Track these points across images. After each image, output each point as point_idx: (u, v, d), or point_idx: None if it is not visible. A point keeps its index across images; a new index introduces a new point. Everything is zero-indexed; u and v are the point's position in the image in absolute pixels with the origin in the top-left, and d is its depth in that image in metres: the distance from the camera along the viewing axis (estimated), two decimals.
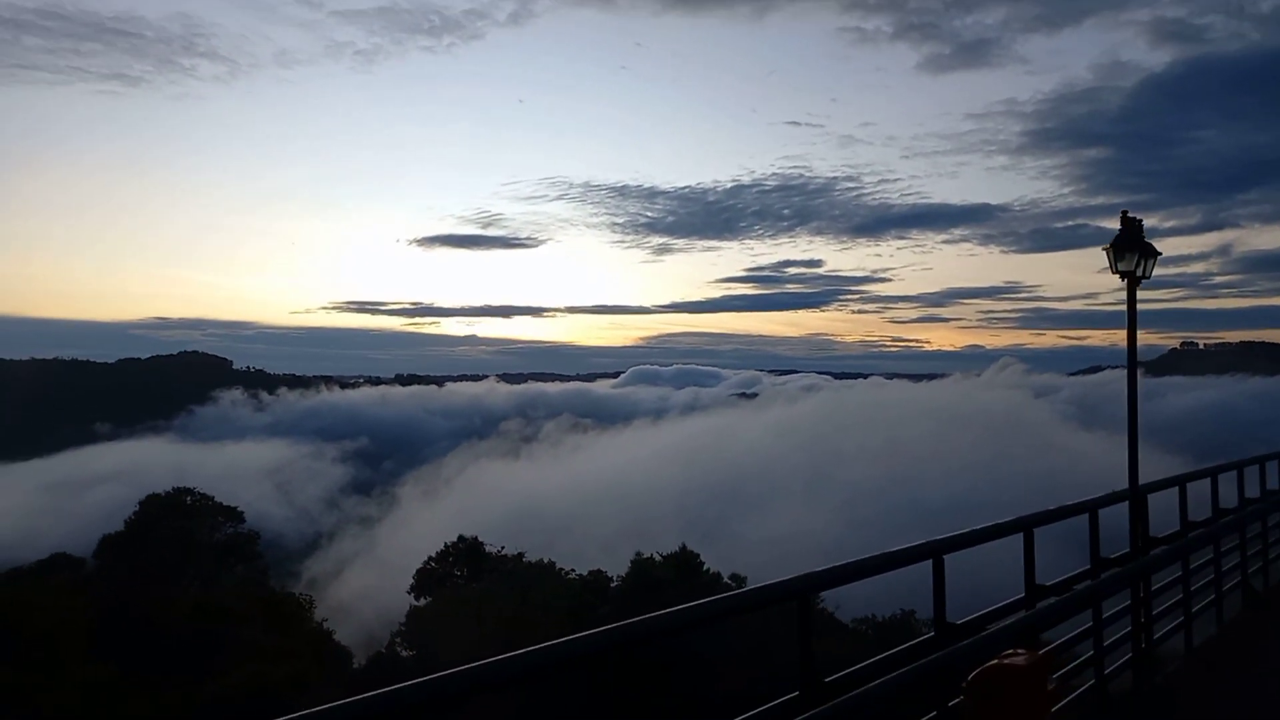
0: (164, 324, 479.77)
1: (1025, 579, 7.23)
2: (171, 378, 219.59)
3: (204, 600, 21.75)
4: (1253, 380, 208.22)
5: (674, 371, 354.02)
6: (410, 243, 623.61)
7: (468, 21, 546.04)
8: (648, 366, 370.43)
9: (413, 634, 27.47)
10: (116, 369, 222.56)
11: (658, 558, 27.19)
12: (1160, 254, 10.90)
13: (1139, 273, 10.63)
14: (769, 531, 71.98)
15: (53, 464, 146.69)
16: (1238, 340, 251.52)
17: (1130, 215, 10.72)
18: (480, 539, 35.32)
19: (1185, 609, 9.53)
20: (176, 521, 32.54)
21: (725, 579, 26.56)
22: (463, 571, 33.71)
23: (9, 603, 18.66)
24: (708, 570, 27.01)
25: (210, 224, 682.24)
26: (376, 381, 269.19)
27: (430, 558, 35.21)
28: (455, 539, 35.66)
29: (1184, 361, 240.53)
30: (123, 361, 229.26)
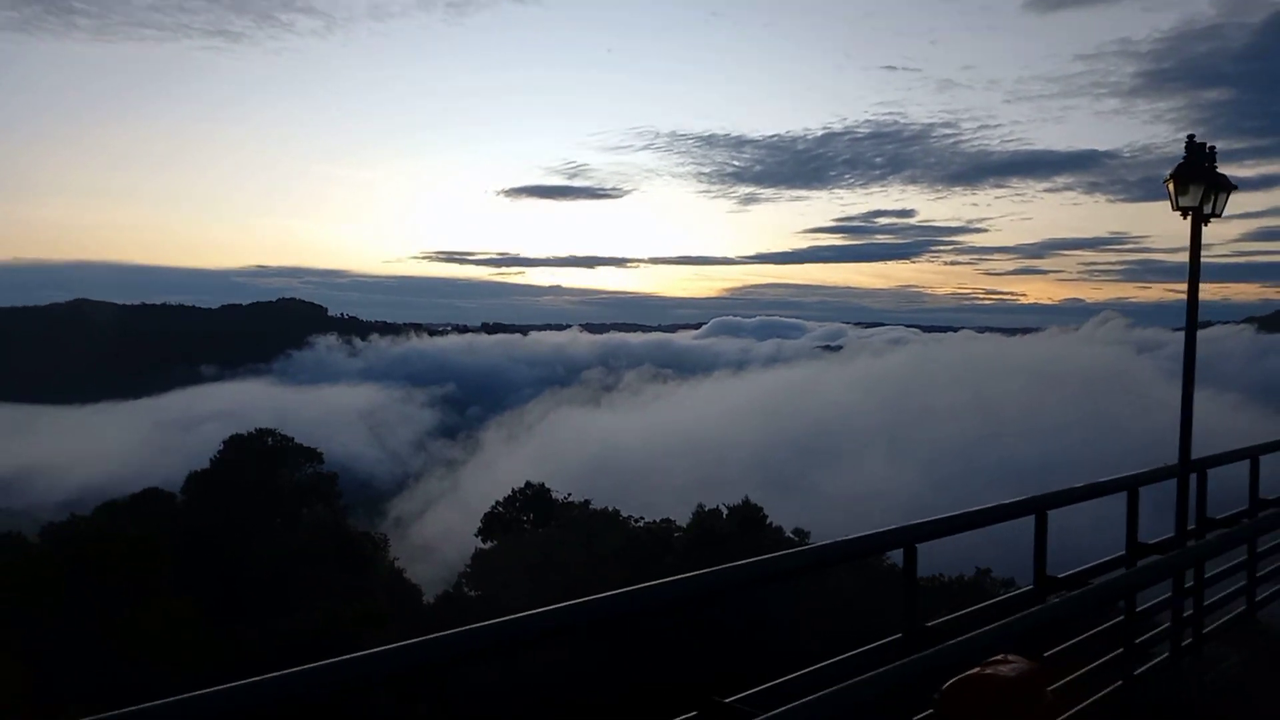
0: (264, 271, 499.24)
1: (1127, 537, 7.05)
2: (271, 323, 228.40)
3: (282, 539, 22.33)
4: None
5: (757, 323, 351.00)
6: (498, 193, 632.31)
7: None
8: (730, 318, 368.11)
9: (478, 576, 27.85)
10: (220, 314, 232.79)
11: (723, 510, 26.88)
12: (1235, 187, 9.39)
13: (1207, 210, 9.20)
14: (846, 488, 71.01)
15: (163, 403, 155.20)
16: None
17: (1198, 140, 9.12)
18: (548, 485, 35.54)
19: (1249, 599, 8.21)
20: (259, 461, 33.55)
21: (788, 533, 26.10)
22: (529, 517, 33.82)
23: (100, 534, 19.59)
24: (770, 524, 26.55)
25: (307, 175, 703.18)
26: (464, 330, 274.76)
27: (498, 502, 35.54)
28: (523, 485, 35.44)
29: None
30: (226, 307, 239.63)
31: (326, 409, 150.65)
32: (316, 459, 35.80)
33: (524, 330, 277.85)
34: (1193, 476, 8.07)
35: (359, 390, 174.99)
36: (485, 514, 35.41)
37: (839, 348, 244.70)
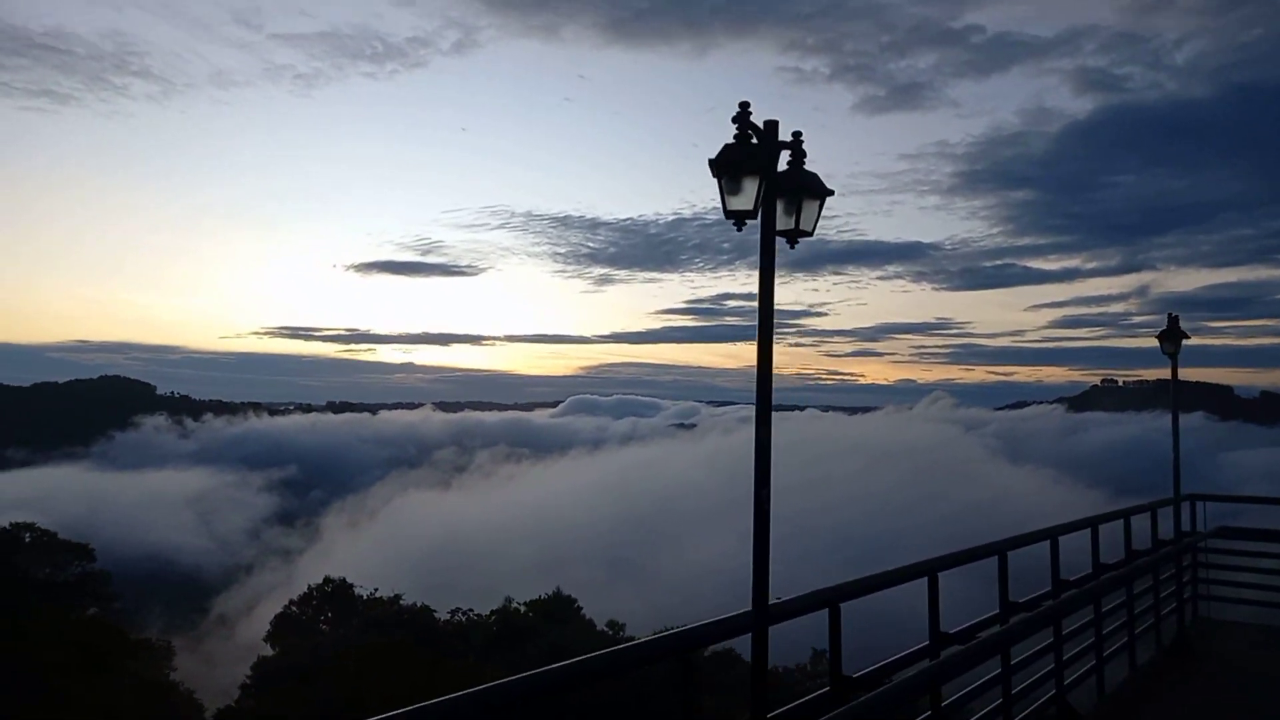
0: (84, 347, 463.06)
1: (930, 626, 6.79)
2: (91, 402, 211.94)
3: (16, 647, 19.46)
4: (1169, 416, 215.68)
5: (614, 401, 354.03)
6: (347, 268, 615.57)
7: (411, 49, 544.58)
8: (587, 396, 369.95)
9: (258, 687, 25.04)
10: (31, 392, 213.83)
11: (520, 607, 25.91)
12: (1189, 336, 13.40)
13: (1177, 350, 13.38)
14: (691, 563, 71.78)
15: None
16: (1155, 379, 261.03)
17: (1173, 315, 13.33)
18: (383, 572, 33.64)
19: (1098, 653, 9.09)
20: (13, 558, 30.11)
21: (600, 626, 25.59)
22: (327, 616, 31.42)
23: None
24: (583, 615, 25.95)
25: (137, 244, 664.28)
26: (308, 409, 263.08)
27: (292, 601, 33.22)
28: (321, 580, 33.33)
29: (1104, 397, 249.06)
30: (39, 385, 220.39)
31: (150, 495, 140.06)
32: (87, 556, 32.75)
33: (374, 409, 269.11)
34: (994, 559, 7.96)
35: (189, 474, 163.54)
36: (277, 615, 32.99)
37: (693, 425, 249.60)
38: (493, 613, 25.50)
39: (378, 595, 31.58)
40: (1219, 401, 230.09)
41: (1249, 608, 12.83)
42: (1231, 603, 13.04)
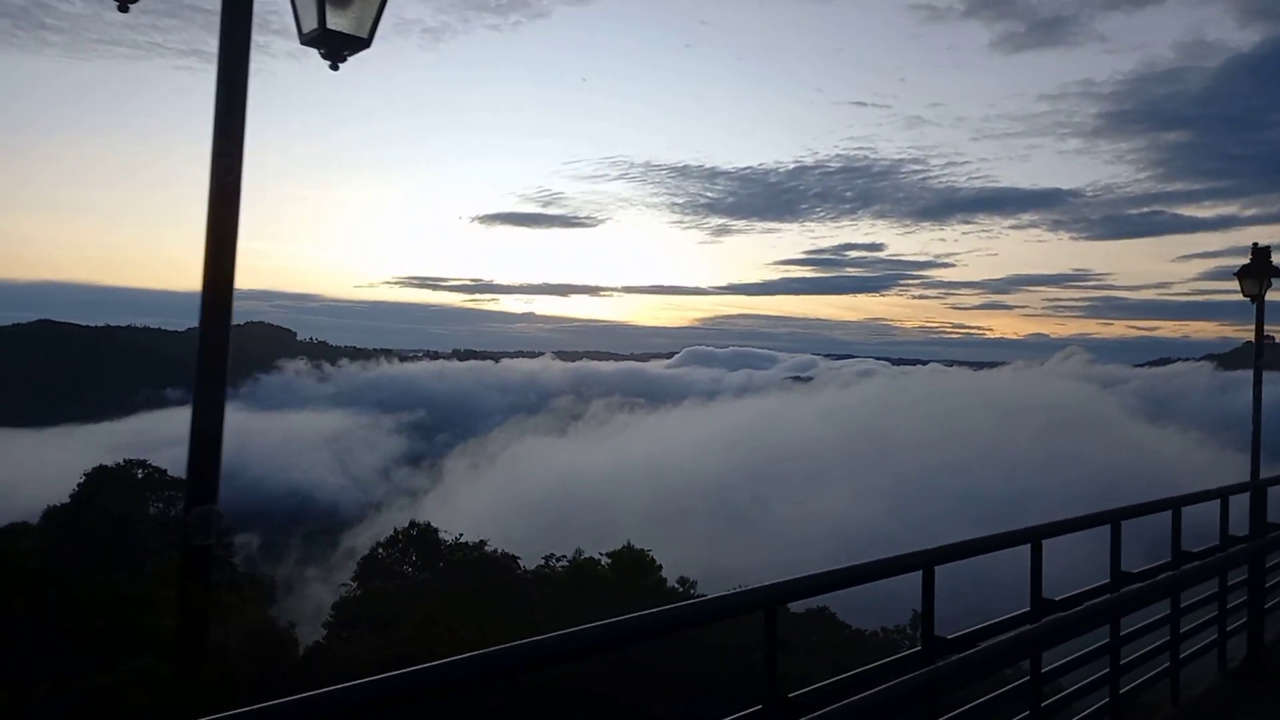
0: (234, 294, 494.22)
1: (1031, 592, 6.69)
2: (239, 346, 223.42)
3: (105, 586, 20.67)
4: None
5: (729, 353, 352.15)
6: (472, 220, 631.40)
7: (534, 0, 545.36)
8: (702, 348, 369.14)
9: (340, 626, 25.46)
10: (187, 337, 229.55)
11: (600, 557, 25.54)
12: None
13: (1262, 292, 12.78)
14: (806, 518, 71.04)
15: (126, 426, 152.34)
16: None
17: (1260, 245, 12.82)
18: (433, 525, 33.22)
19: (1172, 655, 8.19)
20: (124, 495, 31.57)
21: (671, 583, 25.22)
22: (412, 560, 31.80)
23: None
24: (658, 570, 25.41)
25: (280, 197, 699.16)
26: (435, 356, 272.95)
27: (379, 544, 33.58)
28: (407, 525, 33.78)
29: (1265, 356, 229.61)
30: (193, 330, 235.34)
31: (292, 435, 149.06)
32: None
33: (496, 357, 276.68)
34: (1108, 527, 7.75)
35: (326, 416, 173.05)
36: (364, 557, 33.49)
37: (809, 379, 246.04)
38: (566, 561, 25.60)
39: (463, 540, 31.83)
40: None
41: None
42: None
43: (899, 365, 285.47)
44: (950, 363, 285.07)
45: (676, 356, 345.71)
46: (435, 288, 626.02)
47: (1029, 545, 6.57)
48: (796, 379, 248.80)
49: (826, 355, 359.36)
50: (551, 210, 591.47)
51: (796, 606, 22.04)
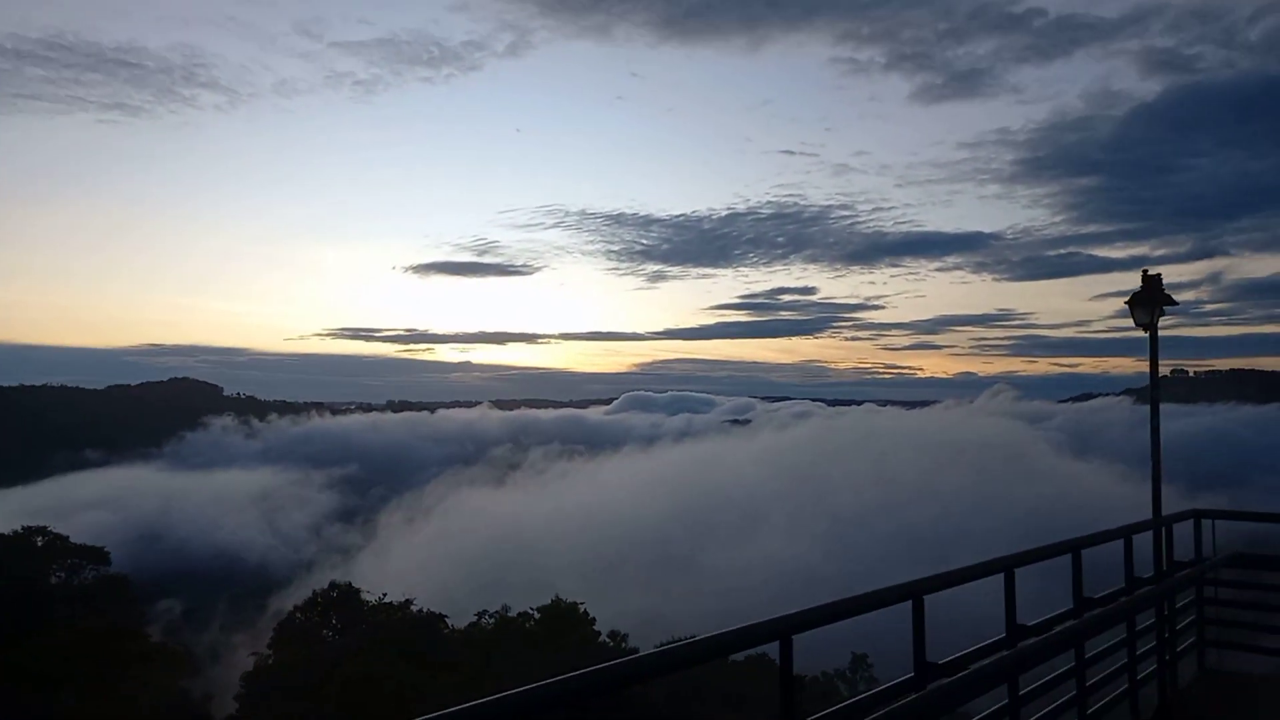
0: (156, 350, 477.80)
1: (1006, 619, 7.17)
2: (162, 404, 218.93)
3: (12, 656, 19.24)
4: (1244, 408, 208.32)
5: (668, 398, 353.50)
6: (406, 270, 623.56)
7: (466, 53, 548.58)
8: (641, 393, 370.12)
9: (256, 696, 24.10)
10: (106, 395, 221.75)
11: (533, 614, 24.70)
12: (1176, 303, 12.10)
13: (1153, 320, 12.15)
14: (743, 563, 71.06)
15: (41, 490, 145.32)
16: (1228, 368, 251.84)
17: (1149, 272, 12.08)
18: (354, 585, 31.69)
19: (1130, 677, 8.49)
20: (22, 563, 29.82)
21: (603, 637, 24.65)
22: (333, 623, 30.16)
23: None
24: (590, 624, 24.78)
25: (206, 250, 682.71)
26: (368, 408, 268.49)
27: (296, 607, 32.08)
28: (326, 586, 32.25)
29: (1175, 388, 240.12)
30: (113, 388, 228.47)
31: (219, 494, 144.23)
32: (101, 559, 32.59)
33: (432, 408, 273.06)
34: (1069, 556, 8.21)
35: (254, 474, 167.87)
36: (279, 622, 31.94)
37: (748, 421, 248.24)
38: (492, 616, 24.81)
39: (387, 600, 30.59)
40: None
41: (1272, 659, 10.19)
42: (1247, 651, 10.43)
43: (834, 406, 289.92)
44: (884, 402, 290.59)
45: (616, 403, 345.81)
46: (369, 338, 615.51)
47: (1003, 574, 7.03)
48: (735, 422, 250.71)
49: (764, 397, 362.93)
50: (487, 259, 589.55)
51: (737, 656, 21.99)
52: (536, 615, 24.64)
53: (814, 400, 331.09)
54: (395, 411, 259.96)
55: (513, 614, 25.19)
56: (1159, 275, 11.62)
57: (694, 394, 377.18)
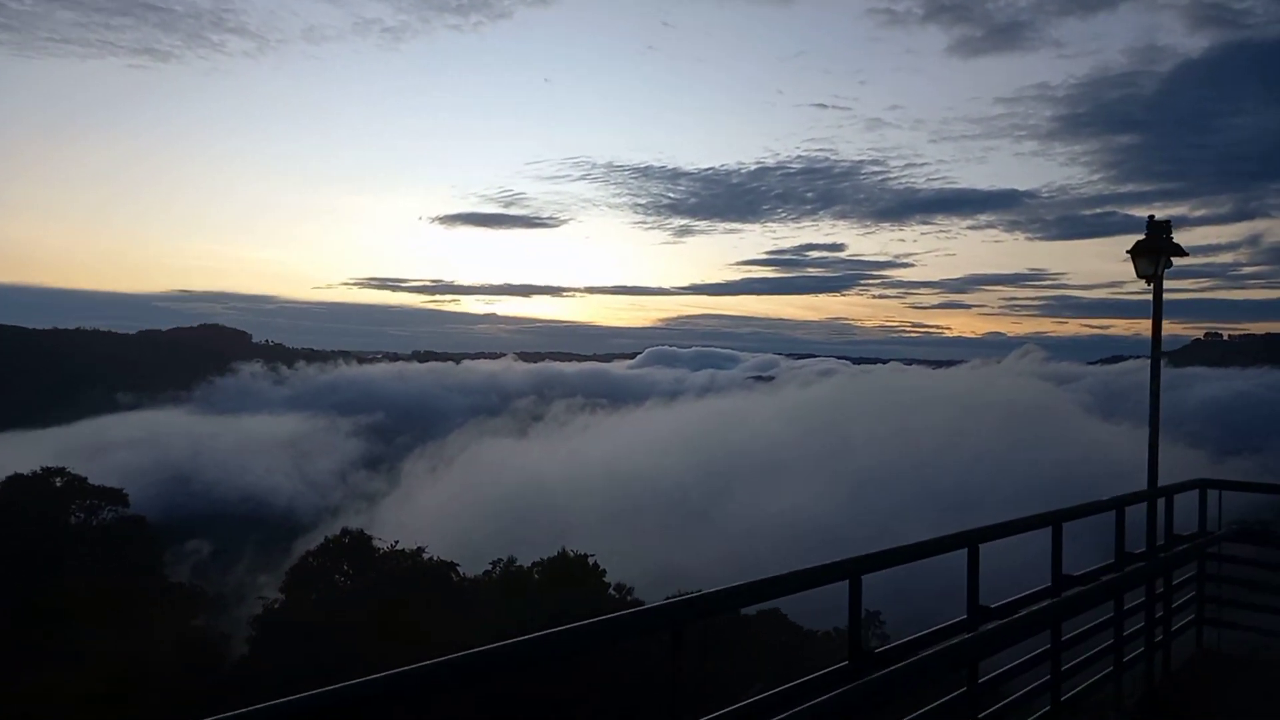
0: (186, 296, 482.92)
1: (968, 599, 6.78)
2: (192, 349, 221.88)
3: (34, 593, 19.63)
4: (1277, 373, 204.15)
5: (692, 353, 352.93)
6: (432, 220, 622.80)
7: (495, 0, 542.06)
8: (665, 348, 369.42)
9: (266, 637, 24.10)
10: (138, 339, 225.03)
11: (539, 565, 24.35)
12: (1186, 254, 11.00)
13: (1158, 271, 10.94)
14: (762, 516, 71.19)
15: (74, 431, 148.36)
16: (1263, 332, 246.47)
17: (1156, 218, 10.84)
18: (367, 532, 31.69)
19: (1165, 629, 8.56)
20: (47, 502, 30.14)
21: (611, 589, 24.32)
22: (344, 569, 30.24)
23: None
24: (599, 576, 24.51)
25: (235, 198, 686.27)
26: (394, 358, 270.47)
27: (309, 552, 32.18)
28: (339, 532, 32.26)
29: (1208, 352, 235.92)
30: (144, 333, 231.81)
31: (246, 439, 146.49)
32: (119, 500, 32.91)
33: (457, 358, 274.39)
34: (1112, 514, 8.34)
35: (282, 419, 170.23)
36: (292, 566, 32.09)
37: (771, 378, 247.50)
38: (513, 566, 24.74)
39: (399, 548, 30.42)
40: None
41: (1275, 639, 9.64)
42: (1248, 630, 9.83)
43: (859, 364, 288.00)
44: (909, 361, 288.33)
45: (640, 357, 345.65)
46: (395, 289, 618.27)
47: (965, 550, 6.43)
48: (758, 378, 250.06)
49: (788, 355, 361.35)
50: (513, 211, 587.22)
51: (748, 609, 21.98)
52: (542, 567, 24.51)
53: (839, 358, 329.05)
54: (421, 361, 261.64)
55: (522, 565, 25.10)
56: (1167, 222, 10.60)
57: (719, 350, 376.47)
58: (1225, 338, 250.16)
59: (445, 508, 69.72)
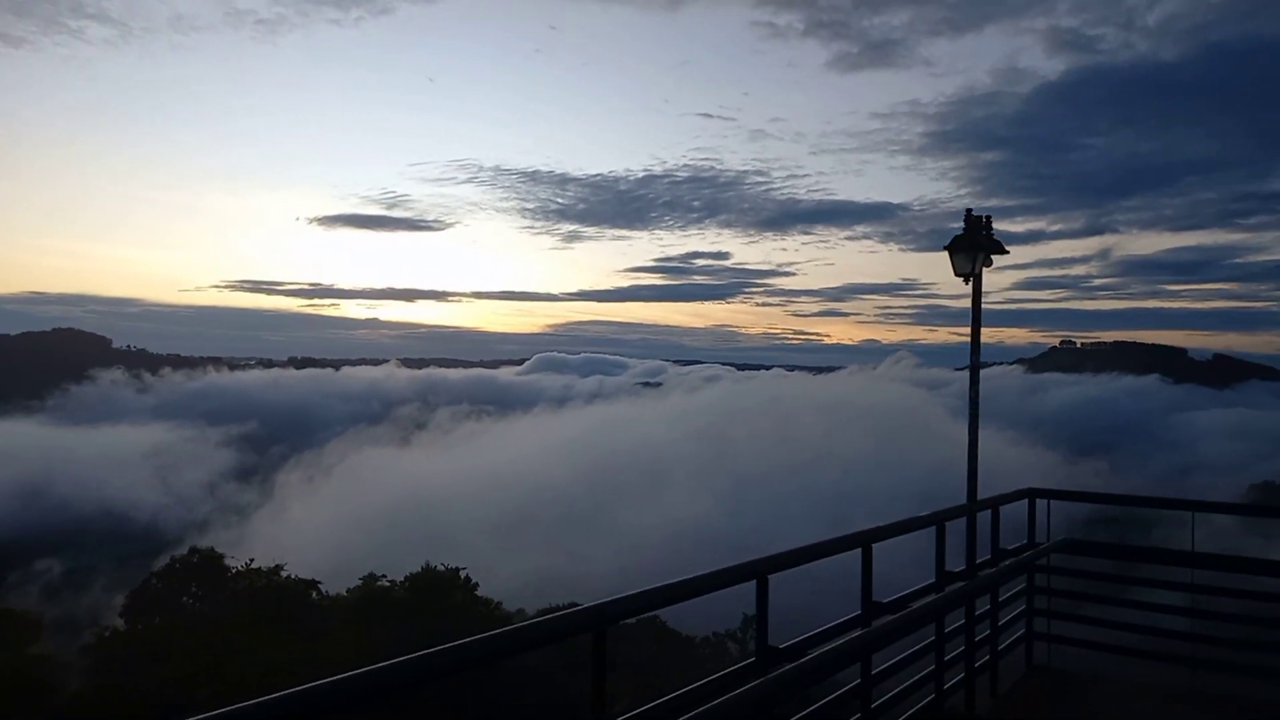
0: (39, 299, 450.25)
1: (862, 596, 6.86)
2: (45, 355, 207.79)
3: None
4: (1125, 378, 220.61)
5: (580, 360, 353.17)
6: (310, 221, 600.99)
7: None
8: (554, 354, 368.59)
9: (99, 666, 22.43)
10: None
11: (388, 582, 23.36)
12: (1006, 251, 10.52)
13: (975, 269, 10.40)
14: (648, 523, 71.88)
15: None
16: (1113, 340, 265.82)
17: (974, 212, 10.31)
18: (217, 549, 30.63)
19: (991, 649, 8.37)
20: None
21: (483, 602, 23.66)
22: (193, 590, 28.59)
23: None
24: (471, 589, 23.95)
25: (95, 195, 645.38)
26: (269, 364, 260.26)
27: (153, 574, 30.63)
28: (187, 551, 30.96)
29: (1063, 359, 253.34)
30: None
31: (106, 450, 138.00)
32: None
33: (336, 365, 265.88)
34: (933, 529, 7.96)
35: (146, 429, 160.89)
36: (133, 590, 30.34)
37: (659, 384, 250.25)
38: (387, 582, 23.93)
39: (255, 566, 28.63)
40: (1173, 364, 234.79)
41: (1102, 655, 9.32)
42: (1078, 646, 9.48)
43: (744, 370, 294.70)
44: (791, 367, 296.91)
45: (528, 363, 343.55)
46: (270, 292, 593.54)
47: (860, 549, 6.68)
48: (646, 384, 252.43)
49: (676, 361, 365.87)
50: (396, 213, 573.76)
51: (629, 620, 22.06)
52: (405, 583, 23.54)
53: (724, 364, 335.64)
54: (298, 368, 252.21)
55: (385, 581, 24.07)
56: (986, 217, 10.18)
57: (607, 356, 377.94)
58: (1079, 345, 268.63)
59: (322, 520, 67.39)
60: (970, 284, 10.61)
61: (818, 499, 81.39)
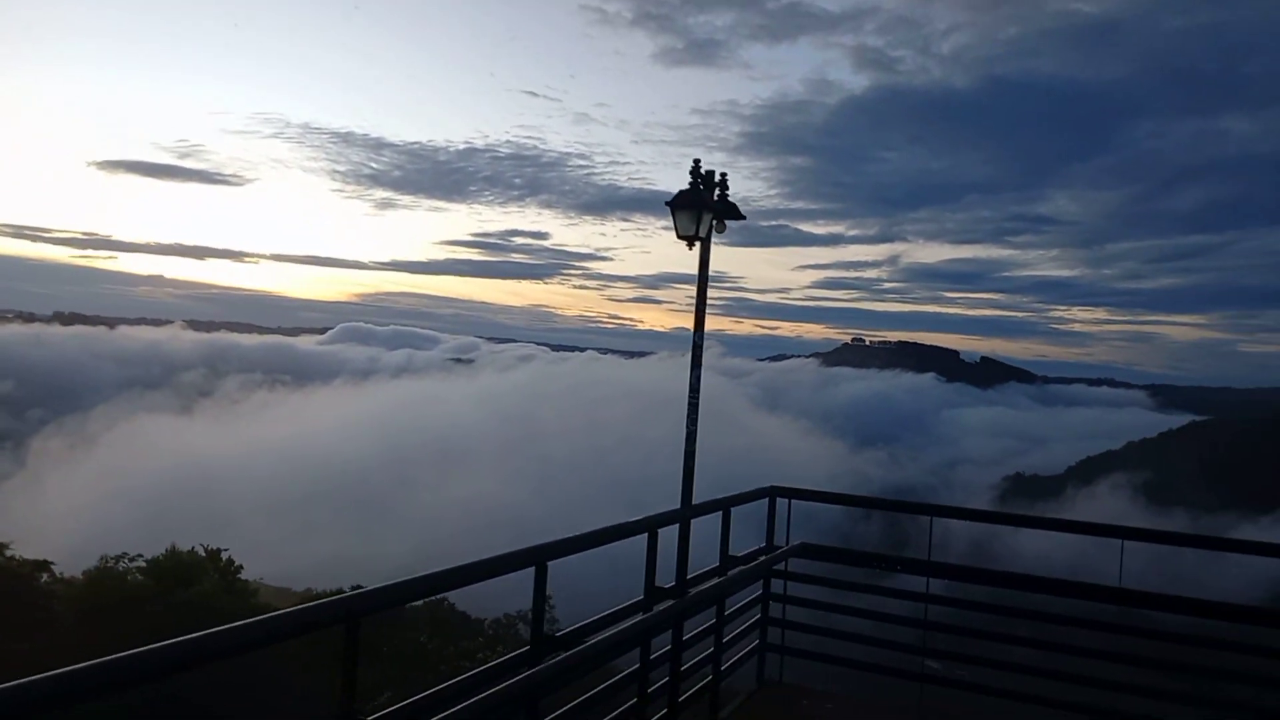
0: None
1: (645, 581, 6.70)
2: None
3: None
4: (906, 375, 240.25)
5: (389, 332, 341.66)
6: (89, 164, 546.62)
7: None
8: (360, 324, 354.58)
9: None
10: None
11: (129, 565, 21.13)
12: (742, 216, 8.85)
13: (701, 232, 8.29)
14: (446, 502, 70.40)
15: None
16: (897, 340, 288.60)
17: (702, 165, 8.52)
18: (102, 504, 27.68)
19: (715, 666, 7.57)
20: None
21: (240, 589, 21.95)
22: None
23: None
24: (233, 574, 22.27)
25: None
26: (30, 318, 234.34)
27: None
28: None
29: (853, 355, 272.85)
30: None
31: None
32: None
33: (112, 323, 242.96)
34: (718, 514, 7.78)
35: None
36: None
37: (471, 360, 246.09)
38: (143, 561, 21.57)
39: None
40: (947, 364, 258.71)
41: (840, 669, 8.48)
42: (812, 658, 8.70)
43: (558, 351, 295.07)
44: (605, 351, 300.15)
45: (331, 333, 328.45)
46: (34, 239, 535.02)
47: (646, 535, 6.55)
48: (457, 360, 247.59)
49: (490, 338, 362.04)
50: (190, 163, 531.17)
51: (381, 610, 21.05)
52: (143, 565, 21.27)
53: (539, 344, 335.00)
54: (65, 324, 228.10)
55: (121, 564, 21.55)
56: (718, 173, 8.59)
57: (417, 329, 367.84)
58: (867, 343, 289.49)
59: (82, 494, 60.79)
60: (696, 249, 8.51)
61: (621, 483, 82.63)
